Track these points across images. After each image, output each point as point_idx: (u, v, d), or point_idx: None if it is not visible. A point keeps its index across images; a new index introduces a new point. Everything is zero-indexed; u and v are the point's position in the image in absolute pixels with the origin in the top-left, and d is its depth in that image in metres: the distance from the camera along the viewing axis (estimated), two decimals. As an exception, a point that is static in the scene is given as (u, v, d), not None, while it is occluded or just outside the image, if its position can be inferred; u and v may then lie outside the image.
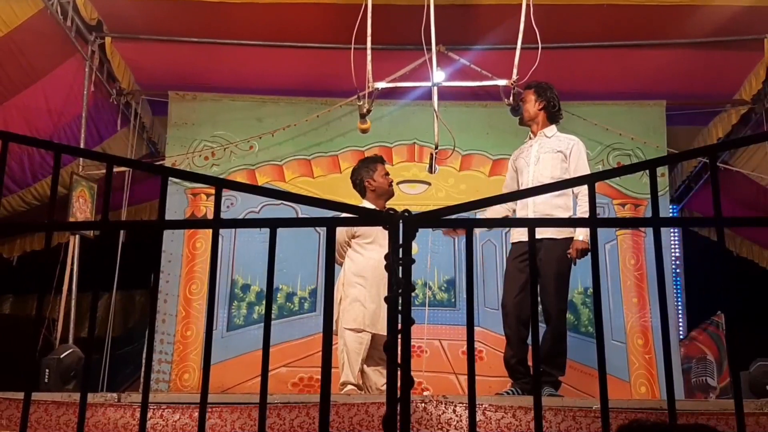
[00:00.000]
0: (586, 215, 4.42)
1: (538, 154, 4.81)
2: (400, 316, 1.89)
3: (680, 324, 7.64)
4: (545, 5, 5.21)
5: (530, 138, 4.95)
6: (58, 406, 3.72)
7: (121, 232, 6.72)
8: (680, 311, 7.82)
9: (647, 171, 2.06)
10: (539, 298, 4.67)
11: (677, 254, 7.98)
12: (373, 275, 4.77)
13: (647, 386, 6.46)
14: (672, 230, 7.70)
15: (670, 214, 7.71)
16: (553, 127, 4.92)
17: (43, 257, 2.17)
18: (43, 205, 6.87)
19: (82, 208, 6.39)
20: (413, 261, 1.93)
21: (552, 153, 4.78)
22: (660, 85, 6.92)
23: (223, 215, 2.09)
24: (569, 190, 4.69)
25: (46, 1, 5.79)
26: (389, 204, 4.96)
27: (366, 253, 4.89)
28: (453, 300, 6.73)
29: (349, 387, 4.68)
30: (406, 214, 1.96)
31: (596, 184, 2.03)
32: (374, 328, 4.75)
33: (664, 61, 6.54)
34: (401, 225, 1.94)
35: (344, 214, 2.12)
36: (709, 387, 7.01)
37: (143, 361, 6.13)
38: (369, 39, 4.73)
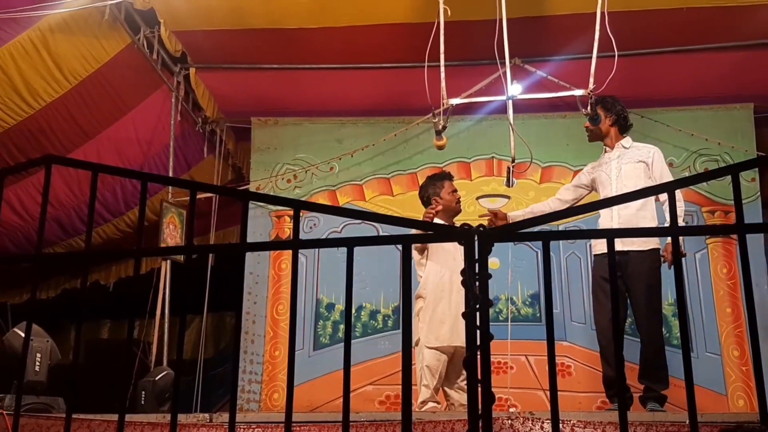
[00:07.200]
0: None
1: (619, 165, 4.72)
2: (478, 331, 1.88)
3: (779, 334, 7.29)
4: (621, 12, 5.13)
5: (606, 151, 4.87)
6: (153, 427, 3.82)
7: (211, 255, 6.91)
8: (778, 320, 7.47)
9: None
10: (634, 315, 4.58)
11: (773, 261, 7.62)
12: (432, 291, 4.68)
13: (745, 399, 6.20)
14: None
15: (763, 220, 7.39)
16: (629, 138, 4.85)
17: (134, 283, 2.25)
18: (135, 232, 7.12)
19: (172, 233, 6.59)
20: (490, 276, 1.92)
21: (634, 163, 4.68)
22: (746, 87, 6.69)
23: (306, 236, 2.15)
24: (652, 201, 4.59)
25: (133, 36, 6.03)
26: (462, 219, 4.91)
27: (427, 269, 4.73)
28: (538, 315, 6.62)
29: (430, 404, 4.64)
30: (481, 228, 1.96)
31: (684, 192, 1.99)
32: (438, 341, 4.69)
33: (748, 62, 6.32)
34: (476, 240, 1.92)
35: (420, 231, 2.12)
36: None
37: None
38: (442, 56, 4.75)
